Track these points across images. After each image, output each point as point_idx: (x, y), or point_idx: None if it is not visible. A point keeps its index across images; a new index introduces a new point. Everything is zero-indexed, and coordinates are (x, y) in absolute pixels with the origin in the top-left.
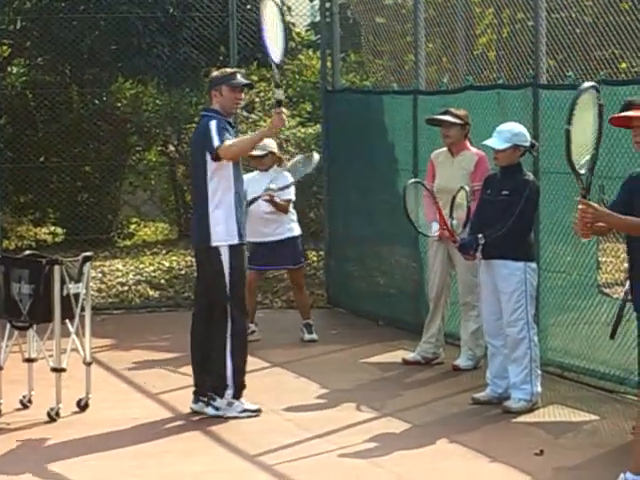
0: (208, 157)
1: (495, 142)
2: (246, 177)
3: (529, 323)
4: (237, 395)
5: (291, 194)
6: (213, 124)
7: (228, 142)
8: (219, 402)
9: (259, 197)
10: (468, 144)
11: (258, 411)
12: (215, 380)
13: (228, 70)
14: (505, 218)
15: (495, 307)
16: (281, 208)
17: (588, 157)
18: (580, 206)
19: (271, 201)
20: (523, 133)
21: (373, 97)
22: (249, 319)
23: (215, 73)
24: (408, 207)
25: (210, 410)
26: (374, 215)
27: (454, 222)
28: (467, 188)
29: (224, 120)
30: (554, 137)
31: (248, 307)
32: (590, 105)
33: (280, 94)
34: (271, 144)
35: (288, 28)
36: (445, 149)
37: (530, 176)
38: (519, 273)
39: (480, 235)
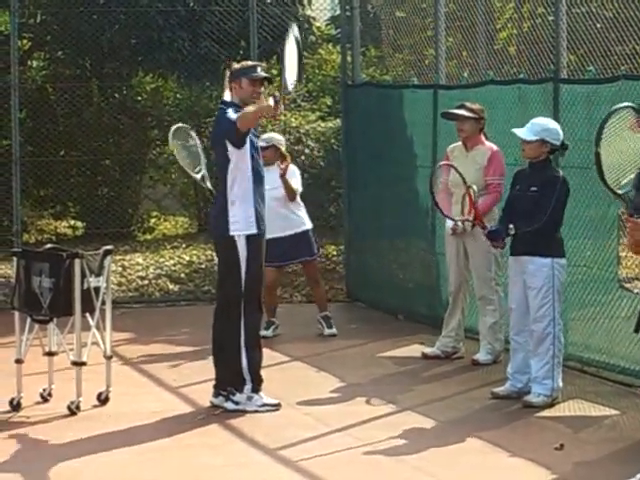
0: (229, 148)
1: (524, 132)
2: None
3: (555, 319)
4: (256, 389)
5: (299, 184)
6: (229, 110)
7: (237, 114)
8: (238, 397)
9: None
10: (483, 138)
11: (278, 405)
12: (233, 375)
13: (249, 63)
14: (534, 214)
15: (523, 304)
16: (290, 191)
17: (632, 176)
18: (628, 224)
19: (282, 176)
20: (556, 130)
21: (393, 91)
22: (262, 314)
23: (236, 65)
24: (435, 191)
25: (230, 405)
26: (393, 209)
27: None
28: (475, 187)
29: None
30: (574, 132)
31: (269, 304)
32: (625, 124)
33: (277, 96)
34: (278, 139)
35: (302, 62)
36: (460, 143)
37: (560, 172)
38: (546, 269)
39: (511, 225)
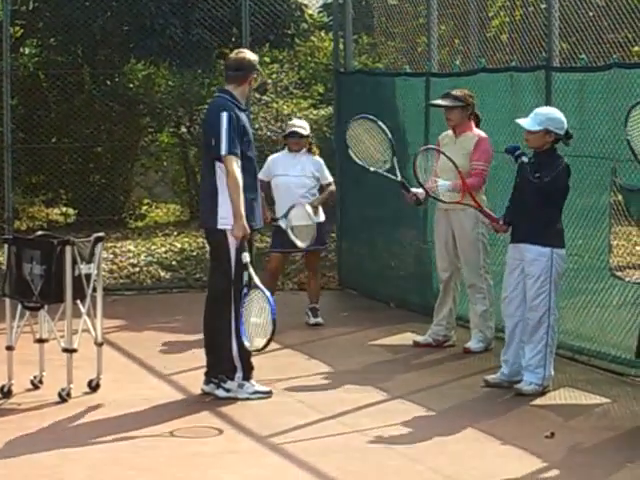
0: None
1: (528, 123)
2: (273, 157)
3: (550, 309)
4: (247, 376)
5: (328, 177)
6: (224, 120)
7: (237, 167)
8: (230, 384)
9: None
10: (472, 125)
11: (269, 393)
12: (224, 363)
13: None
14: (541, 202)
15: (518, 291)
16: (326, 201)
17: None
18: None
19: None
20: (560, 120)
21: (385, 79)
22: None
23: (250, 56)
24: (418, 171)
25: (221, 392)
26: (385, 197)
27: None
28: None
29: (237, 107)
30: (567, 120)
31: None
32: None
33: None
34: (308, 128)
35: None
36: (450, 131)
37: (563, 161)
38: (545, 259)
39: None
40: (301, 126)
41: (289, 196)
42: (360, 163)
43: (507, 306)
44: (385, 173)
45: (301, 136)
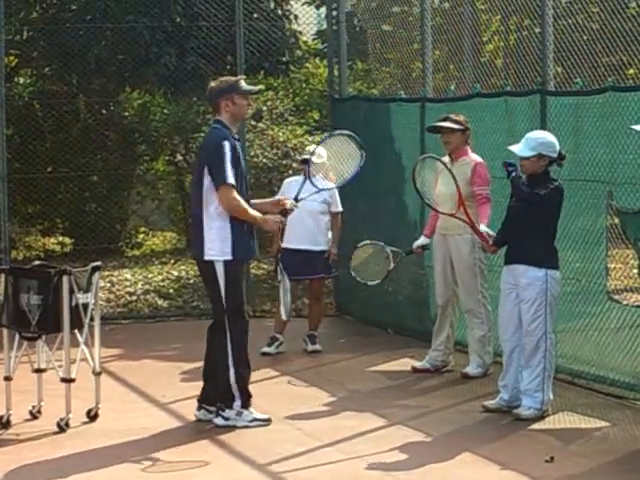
0: (205, 170)
1: (520, 149)
2: (288, 181)
3: (547, 333)
4: (245, 404)
5: (339, 206)
6: (227, 149)
7: (236, 195)
8: (228, 412)
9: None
10: (469, 150)
11: (268, 420)
12: (222, 392)
13: (232, 78)
14: (532, 225)
15: (514, 314)
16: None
17: None
18: None
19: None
20: (552, 143)
21: (380, 105)
22: (246, 329)
23: (216, 84)
24: (417, 180)
25: (220, 420)
26: (381, 223)
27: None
28: None
29: (232, 137)
30: (562, 144)
31: (279, 318)
32: None
33: (292, 204)
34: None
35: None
36: (447, 157)
37: (556, 183)
38: (539, 283)
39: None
40: (316, 153)
41: (300, 220)
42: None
43: (504, 331)
44: (392, 267)
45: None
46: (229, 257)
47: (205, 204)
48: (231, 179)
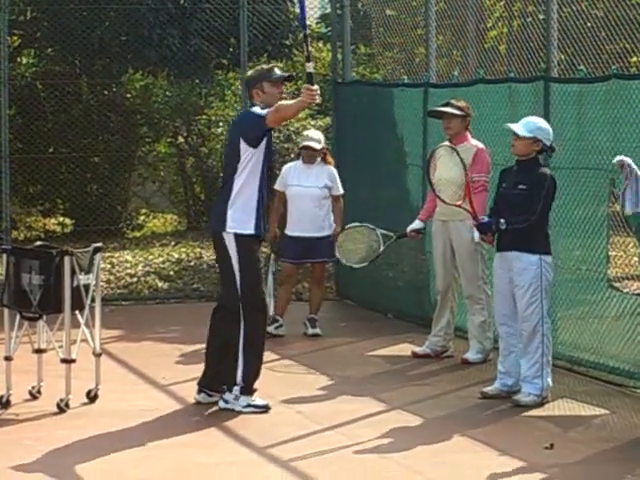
0: (242, 146)
1: (519, 128)
2: (287, 167)
3: (543, 317)
4: (246, 392)
5: (340, 189)
6: (258, 109)
7: (273, 111)
8: (228, 395)
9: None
10: (469, 136)
11: (265, 407)
12: (227, 375)
13: (265, 66)
14: (522, 211)
15: (508, 300)
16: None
17: None
18: None
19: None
20: (548, 131)
21: (383, 90)
22: (264, 317)
23: (250, 73)
24: (430, 169)
25: (221, 403)
26: (383, 208)
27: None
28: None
29: None
30: (564, 131)
31: (281, 300)
32: None
33: (310, 67)
34: (322, 138)
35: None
36: (447, 142)
37: (547, 170)
38: (534, 267)
39: (502, 220)
40: (314, 139)
41: (302, 206)
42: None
43: (499, 316)
44: (384, 247)
45: (314, 149)
46: (250, 230)
47: (236, 183)
48: (263, 112)
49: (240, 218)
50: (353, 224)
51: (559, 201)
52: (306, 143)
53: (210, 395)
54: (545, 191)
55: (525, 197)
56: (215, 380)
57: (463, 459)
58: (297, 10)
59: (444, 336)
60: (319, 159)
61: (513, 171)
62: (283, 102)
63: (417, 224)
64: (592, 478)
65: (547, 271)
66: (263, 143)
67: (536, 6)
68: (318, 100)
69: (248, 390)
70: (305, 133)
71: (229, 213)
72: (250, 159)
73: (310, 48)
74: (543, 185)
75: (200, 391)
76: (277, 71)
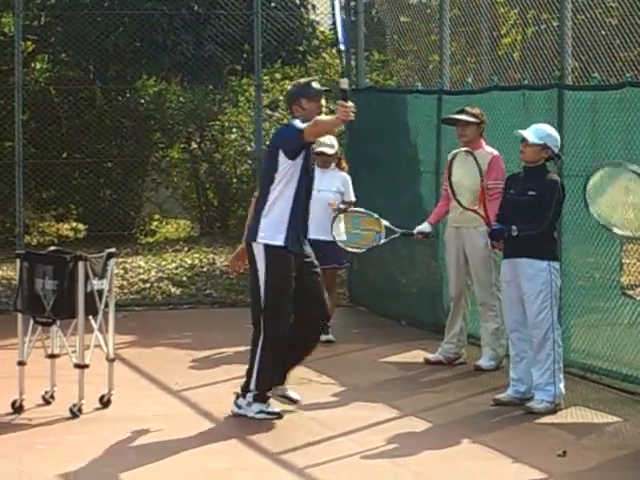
0: (280, 157)
1: (529, 135)
2: None
3: (554, 324)
4: (259, 399)
5: (352, 195)
6: (297, 122)
7: (310, 125)
8: (241, 401)
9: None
10: (483, 143)
11: (279, 414)
12: (245, 380)
13: (302, 81)
14: (531, 217)
15: (518, 306)
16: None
17: None
18: None
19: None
20: (557, 138)
21: (397, 96)
22: (284, 333)
23: (290, 88)
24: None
25: (235, 407)
26: (396, 214)
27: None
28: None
29: None
30: (578, 139)
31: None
32: None
33: (344, 83)
34: (336, 144)
35: None
36: (462, 149)
37: (556, 176)
38: (544, 274)
39: (514, 227)
40: (327, 144)
41: (314, 210)
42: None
43: (509, 322)
44: (385, 239)
45: (328, 155)
46: (280, 242)
47: (272, 195)
48: (302, 126)
49: (271, 229)
50: (358, 209)
51: (572, 208)
52: (320, 149)
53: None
54: (556, 197)
55: (534, 203)
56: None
57: (475, 466)
58: (311, 17)
59: (457, 343)
60: (333, 164)
61: (520, 177)
62: (321, 117)
63: (426, 227)
64: None
65: (556, 277)
66: (301, 156)
67: (550, 13)
68: (352, 117)
69: (262, 397)
70: (319, 139)
71: (262, 223)
72: (287, 171)
73: (344, 62)
74: (554, 191)
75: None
76: (315, 85)
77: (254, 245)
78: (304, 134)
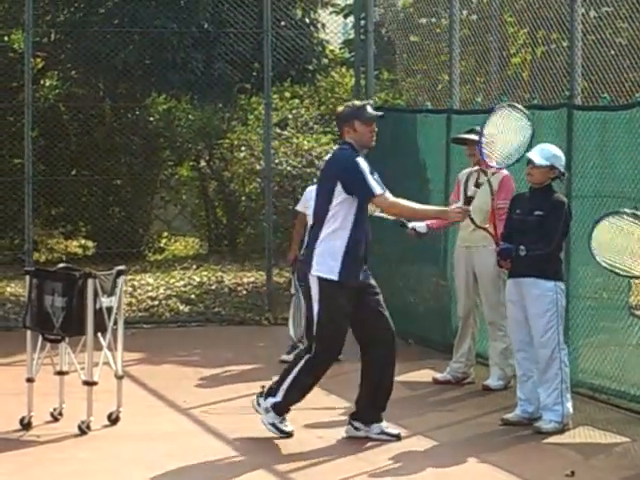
0: (338, 189)
1: (536, 157)
2: (309, 189)
3: (560, 343)
4: (278, 410)
5: None
6: (362, 163)
7: (390, 197)
8: (263, 402)
9: None
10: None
11: (288, 434)
12: (275, 383)
13: (357, 103)
14: (538, 237)
15: (524, 325)
16: None
17: None
18: None
19: None
20: (562, 158)
21: (406, 116)
22: (325, 366)
23: (342, 109)
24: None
25: (255, 402)
26: (404, 234)
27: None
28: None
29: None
30: (588, 159)
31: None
32: None
33: (473, 191)
34: None
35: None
36: (473, 169)
37: (563, 197)
38: (551, 294)
39: (522, 247)
40: None
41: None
42: None
43: (515, 342)
44: (380, 214)
45: None
46: (334, 277)
47: (327, 221)
48: (378, 190)
49: (325, 262)
50: None
51: (581, 229)
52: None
53: (355, 428)
54: (564, 218)
55: (542, 223)
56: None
57: None
58: (321, 36)
59: (465, 362)
60: None
61: (527, 197)
62: (407, 203)
63: (422, 227)
64: None
65: (561, 297)
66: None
67: (560, 33)
68: (458, 218)
69: (281, 410)
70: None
71: (316, 254)
72: (343, 201)
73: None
74: (561, 212)
75: (349, 422)
76: (369, 109)
77: (310, 276)
78: (375, 200)
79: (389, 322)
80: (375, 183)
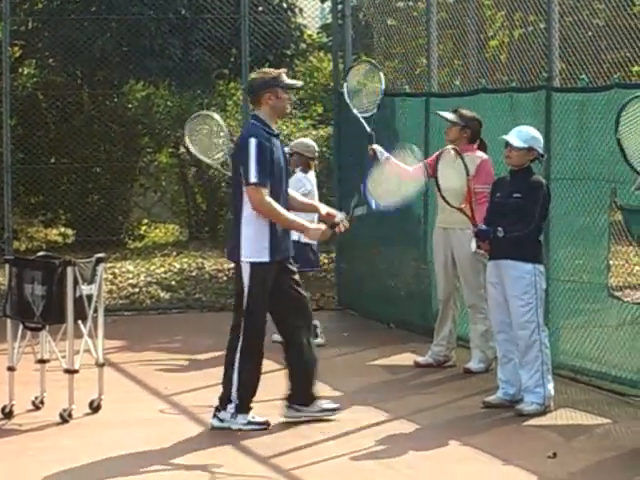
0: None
1: (514, 139)
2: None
3: (540, 325)
4: (241, 410)
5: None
6: (253, 145)
7: (267, 197)
8: (223, 414)
9: None
10: (474, 147)
11: (265, 425)
12: (223, 392)
13: (275, 71)
14: (517, 219)
15: (504, 307)
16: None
17: None
18: None
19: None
20: (540, 139)
21: (385, 99)
22: (262, 340)
23: (259, 75)
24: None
25: (215, 421)
26: (384, 218)
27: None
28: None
29: (267, 133)
30: (566, 141)
31: None
32: None
33: (341, 219)
34: (304, 146)
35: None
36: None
37: (541, 178)
38: (529, 276)
39: (500, 228)
40: (289, 146)
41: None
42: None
43: (495, 324)
44: (361, 117)
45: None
46: (265, 258)
47: (245, 206)
48: (254, 178)
49: (253, 246)
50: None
51: (560, 210)
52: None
53: (297, 410)
54: (541, 200)
55: (520, 205)
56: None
57: (467, 469)
58: (298, 20)
59: (446, 345)
60: (298, 168)
61: (507, 181)
62: (277, 207)
63: (382, 153)
64: None
65: (541, 279)
66: (274, 165)
67: (537, 15)
68: (316, 238)
69: (245, 408)
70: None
71: (242, 241)
72: None
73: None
74: (538, 193)
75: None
76: (286, 77)
77: (241, 264)
78: (249, 190)
79: (301, 290)
80: (257, 171)
